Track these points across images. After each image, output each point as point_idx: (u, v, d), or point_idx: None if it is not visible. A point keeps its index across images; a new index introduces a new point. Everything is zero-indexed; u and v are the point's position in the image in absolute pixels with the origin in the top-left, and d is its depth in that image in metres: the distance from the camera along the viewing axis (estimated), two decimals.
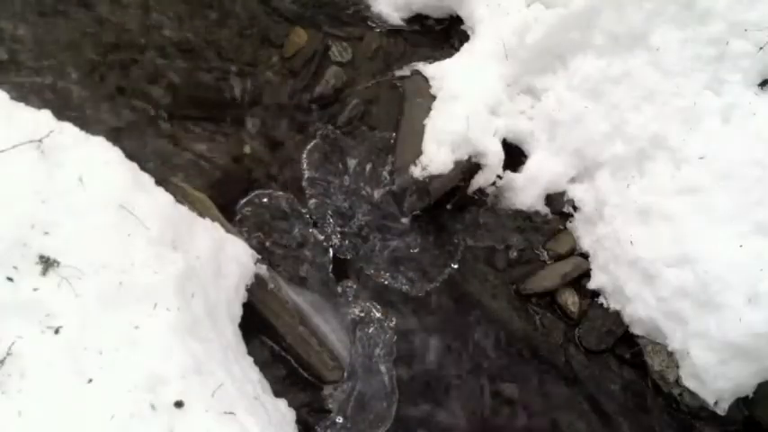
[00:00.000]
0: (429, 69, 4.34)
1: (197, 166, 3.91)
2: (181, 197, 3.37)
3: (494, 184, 4.04)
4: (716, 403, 3.28)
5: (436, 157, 3.87)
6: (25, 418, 2.03)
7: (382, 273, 3.79)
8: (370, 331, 3.58)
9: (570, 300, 3.75)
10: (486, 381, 3.54)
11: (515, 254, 3.93)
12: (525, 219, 4.01)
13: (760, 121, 3.38)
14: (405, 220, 3.96)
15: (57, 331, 2.23)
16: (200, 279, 2.81)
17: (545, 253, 3.94)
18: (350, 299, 3.66)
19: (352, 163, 4.12)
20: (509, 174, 4.03)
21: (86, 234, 2.46)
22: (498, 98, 4.09)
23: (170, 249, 2.69)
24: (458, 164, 3.91)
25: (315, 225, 3.88)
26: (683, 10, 3.65)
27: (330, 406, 3.34)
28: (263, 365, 3.18)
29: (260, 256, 3.49)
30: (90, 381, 2.17)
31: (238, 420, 2.35)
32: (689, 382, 3.33)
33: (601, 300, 3.74)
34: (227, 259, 3.13)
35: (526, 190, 4.01)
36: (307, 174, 4.04)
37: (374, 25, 4.67)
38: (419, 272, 3.82)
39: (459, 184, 4.02)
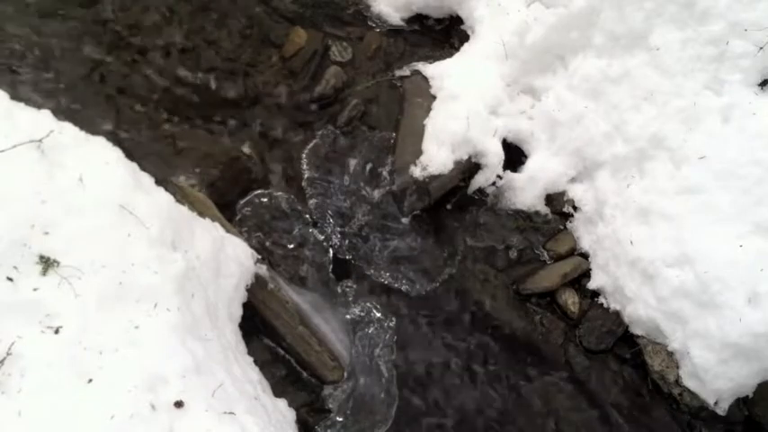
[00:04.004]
0: (429, 69, 4.34)
1: (197, 166, 3.91)
2: (181, 197, 3.38)
3: (494, 184, 4.04)
4: (716, 403, 3.28)
5: (436, 157, 3.87)
6: (25, 418, 2.03)
7: (382, 273, 3.79)
8: (370, 331, 3.58)
9: (570, 300, 3.75)
10: (486, 380, 3.54)
11: (515, 254, 3.93)
12: (525, 219, 4.01)
13: (760, 121, 3.38)
14: (405, 220, 3.96)
15: (57, 331, 2.23)
16: (200, 279, 2.81)
17: (545, 253, 3.94)
18: (350, 299, 3.66)
19: (352, 163, 4.12)
20: (509, 174, 4.03)
21: (86, 234, 2.46)
22: (498, 98, 4.09)
23: (170, 249, 2.69)
24: (458, 164, 3.91)
25: (315, 225, 3.88)
26: (682, 10, 3.65)
27: (330, 406, 3.34)
28: (263, 365, 3.18)
29: (260, 256, 3.49)
30: (90, 381, 2.17)
31: (238, 420, 2.35)
32: (689, 382, 3.33)
33: (601, 300, 3.75)
34: (227, 259, 3.13)
35: (526, 190, 4.01)
36: (307, 174, 4.04)
37: (374, 25, 4.67)
38: (419, 272, 3.82)
39: (460, 184, 4.02)
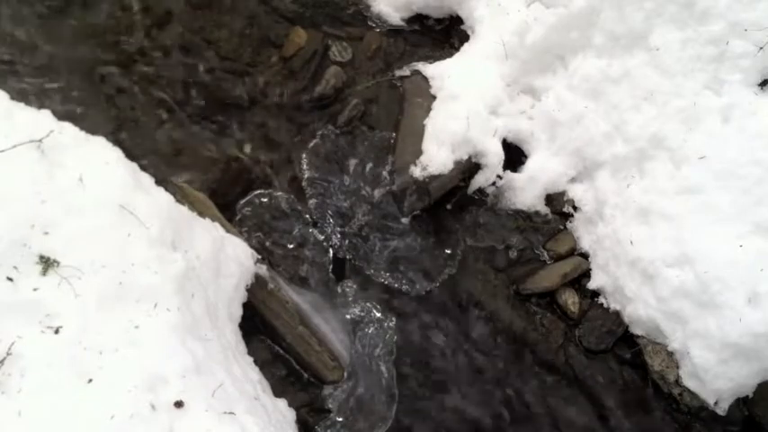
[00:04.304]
0: (429, 69, 4.34)
1: (197, 166, 3.92)
2: (181, 197, 3.38)
3: (494, 184, 4.04)
4: (716, 403, 3.28)
5: (436, 157, 3.87)
6: (25, 418, 2.03)
7: (382, 273, 3.79)
8: (370, 331, 3.58)
9: (570, 300, 3.75)
10: (486, 381, 3.54)
11: (515, 254, 3.93)
12: (525, 219, 4.01)
13: (760, 121, 3.38)
14: (405, 220, 3.96)
15: (57, 331, 2.24)
16: (200, 279, 2.81)
17: (545, 253, 3.94)
18: (350, 299, 3.66)
19: (352, 163, 4.12)
20: (509, 174, 4.03)
21: (86, 234, 2.46)
22: (498, 98, 4.09)
23: (170, 249, 2.69)
24: (458, 164, 3.91)
25: (315, 225, 3.88)
26: (682, 10, 3.65)
27: (330, 406, 3.34)
28: (263, 365, 3.18)
29: (260, 256, 3.49)
30: (90, 381, 2.17)
31: (238, 420, 2.35)
32: (689, 382, 3.33)
33: (601, 300, 3.75)
34: (227, 259, 3.13)
35: (526, 190, 4.01)
36: (307, 174, 4.04)
37: (374, 25, 4.67)
38: (419, 272, 3.82)
39: (460, 184, 4.02)
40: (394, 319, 3.63)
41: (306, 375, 3.42)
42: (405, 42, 4.62)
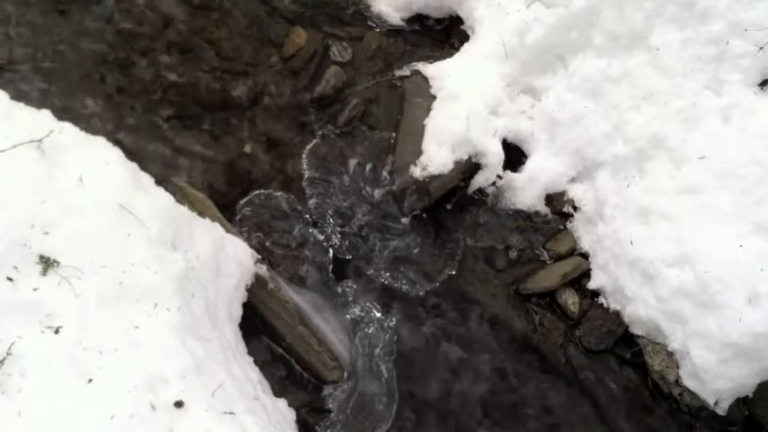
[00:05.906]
0: (429, 69, 4.34)
1: (197, 166, 3.92)
2: (181, 197, 3.38)
3: (494, 184, 4.04)
4: (716, 403, 3.28)
5: (436, 157, 3.87)
6: (25, 418, 2.03)
7: (382, 273, 3.79)
8: (370, 331, 3.58)
9: (570, 300, 3.75)
10: (486, 381, 3.54)
11: (515, 254, 3.93)
12: (525, 219, 4.01)
13: (760, 121, 3.38)
14: (405, 220, 3.96)
15: (57, 331, 2.23)
16: (200, 279, 2.81)
17: (545, 253, 3.94)
18: (350, 299, 3.66)
19: (352, 163, 4.12)
20: (509, 174, 4.03)
21: (86, 234, 2.46)
22: (498, 98, 4.09)
23: (170, 249, 2.69)
24: (458, 164, 3.91)
25: (315, 225, 3.88)
26: (682, 10, 3.65)
27: (330, 406, 3.34)
28: (263, 365, 3.19)
29: (260, 256, 3.49)
30: (90, 381, 2.17)
31: (238, 420, 2.35)
32: (689, 382, 3.33)
33: (601, 300, 3.75)
34: (227, 259, 3.13)
35: (526, 190, 4.01)
36: (307, 174, 4.04)
37: (374, 25, 4.67)
38: (419, 272, 3.82)
39: (460, 184, 4.03)
40: (394, 319, 3.63)
41: (306, 375, 3.42)
42: (405, 42, 4.62)
